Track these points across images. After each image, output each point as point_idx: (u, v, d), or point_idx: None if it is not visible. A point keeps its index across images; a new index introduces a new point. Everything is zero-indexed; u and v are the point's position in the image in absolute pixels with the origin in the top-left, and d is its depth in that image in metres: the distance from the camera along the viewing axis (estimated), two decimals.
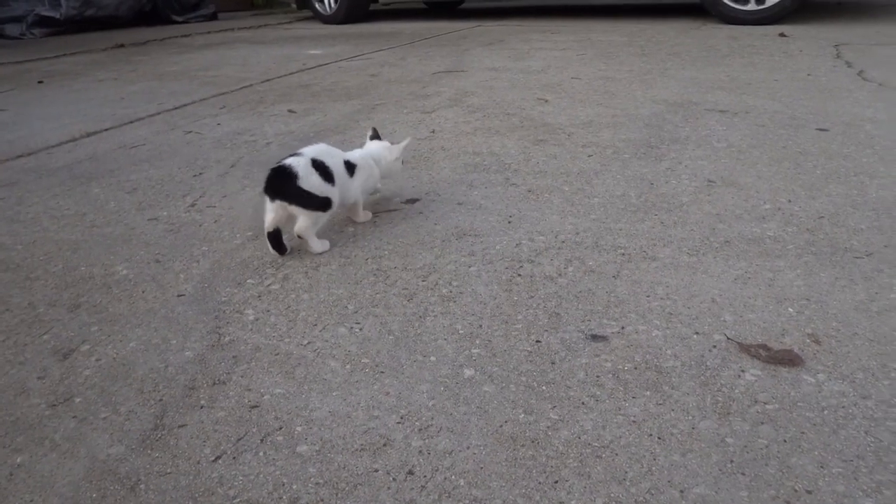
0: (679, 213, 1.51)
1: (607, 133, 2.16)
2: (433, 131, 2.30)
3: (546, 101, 2.66)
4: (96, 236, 1.55)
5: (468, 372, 0.99)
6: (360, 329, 1.12)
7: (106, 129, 2.55)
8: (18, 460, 0.86)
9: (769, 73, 2.97)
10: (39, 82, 3.75)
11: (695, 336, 1.05)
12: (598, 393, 0.93)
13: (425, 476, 0.80)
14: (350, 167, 1.45)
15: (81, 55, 4.94)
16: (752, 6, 4.48)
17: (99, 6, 6.76)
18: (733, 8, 4.56)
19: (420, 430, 0.88)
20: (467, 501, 0.76)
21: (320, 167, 1.35)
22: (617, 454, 0.82)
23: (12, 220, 1.67)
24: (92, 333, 1.15)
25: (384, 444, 0.86)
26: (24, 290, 1.31)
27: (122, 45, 5.41)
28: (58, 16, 6.52)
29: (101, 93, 3.33)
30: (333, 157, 1.41)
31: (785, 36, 4.00)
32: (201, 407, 0.95)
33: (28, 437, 0.90)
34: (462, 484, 0.79)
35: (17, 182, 1.96)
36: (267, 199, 1.34)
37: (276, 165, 1.34)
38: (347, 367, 1.02)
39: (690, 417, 0.87)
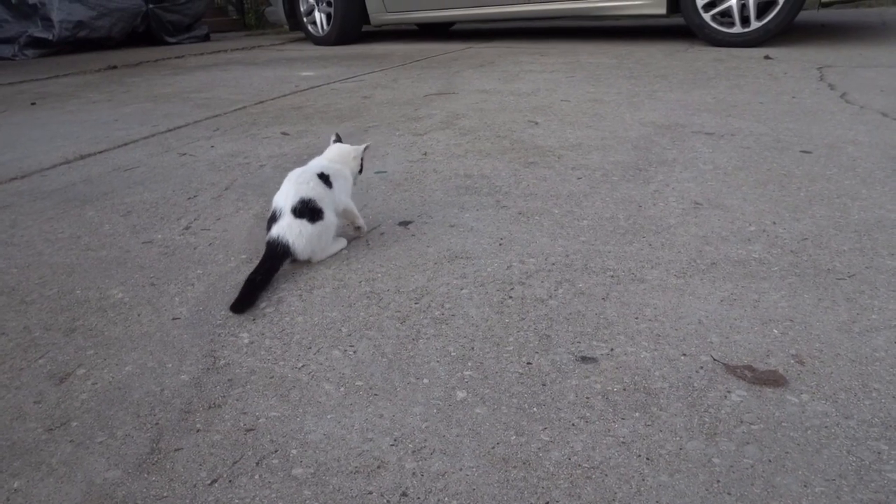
0: (666, 236, 1.54)
1: (596, 155, 2.19)
2: (425, 153, 2.33)
3: (536, 123, 2.71)
4: (91, 259, 1.56)
5: (461, 394, 1.01)
6: (354, 352, 1.14)
7: (100, 152, 2.57)
8: (16, 485, 0.87)
9: (754, 95, 3.03)
10: (32, 104, 3.77)
11: (682, 357, 1.07)
12: (588, 414, 0.95)
13: (419, 498, 0.82)
14: (325, 178, 1.48)
15: (74, 76, 4.97)
16: (737, 29, 4.57)
17: (92, 27, 6.79)
18: (719, 31, 4.64)
19: (413, 452, 0.90)
20: None
21: (306, 208, 1.40)
22: (606, 475, 0.84)
23: (6, 243, 1.68)
24: (88, 357, 1.16)
25: (378, 467, 0.87)
26: (20, 314, 1.32)
27: (115, 67, 5.44)
28: (50, 37, 6.54)
29: (94, 115, 3.35)
30: (309, 179, 1.45)
31: (770, 58, 4.08)
32: (197, 430, 0.96)
33: (25, 461, 0.91)
34: None
35: (11, 205, 1.98)
36: None
37: (274, 241, 1.39)
38: (342, 389, 1.04)
39: (678, 438, 0.89)
